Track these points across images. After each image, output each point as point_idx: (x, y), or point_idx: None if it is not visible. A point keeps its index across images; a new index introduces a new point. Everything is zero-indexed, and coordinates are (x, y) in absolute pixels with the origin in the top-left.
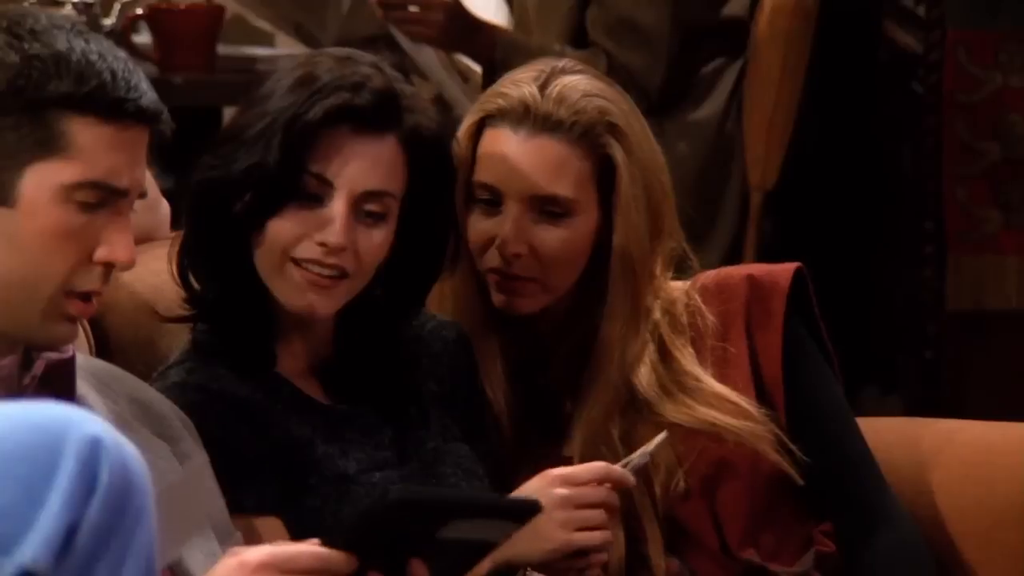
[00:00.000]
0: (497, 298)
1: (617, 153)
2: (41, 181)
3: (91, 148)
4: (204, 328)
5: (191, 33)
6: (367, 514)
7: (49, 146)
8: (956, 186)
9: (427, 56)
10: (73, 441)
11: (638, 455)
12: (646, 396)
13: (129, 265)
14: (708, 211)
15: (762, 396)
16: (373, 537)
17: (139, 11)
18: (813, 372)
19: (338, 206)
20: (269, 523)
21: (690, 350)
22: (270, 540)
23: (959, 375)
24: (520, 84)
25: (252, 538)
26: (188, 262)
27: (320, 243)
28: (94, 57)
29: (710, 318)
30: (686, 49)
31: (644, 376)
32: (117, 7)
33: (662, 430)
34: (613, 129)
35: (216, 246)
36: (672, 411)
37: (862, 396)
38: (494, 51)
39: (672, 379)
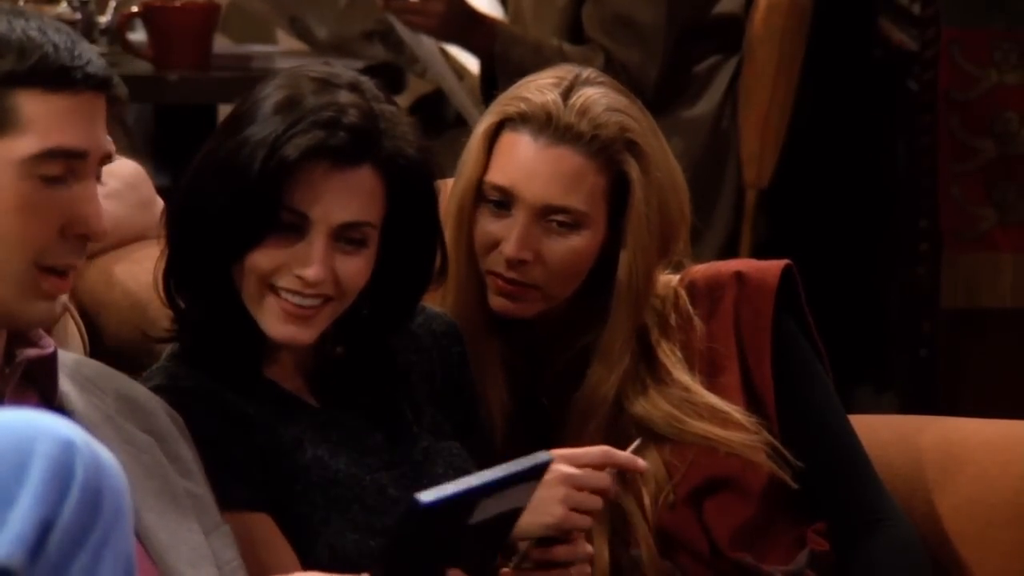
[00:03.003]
0: (495, 301)
1: (633, 171)
2: None
3: (43, 118)
4: (187, 341)
5: (186, 30)
6: (401, 531)
7: (0, 125)
8: (951, 184)
9: (427, 48)
10: (44, 441)
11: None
12: (633, 411)
13: (101, 235)
14: (703, 209)
15: (752, 396)
16: (411, 552)
17: (134, 8)
18: (803, 370)
19: (316, 241)
20: (259, 520)
21: (679, 355)
22: (261, 537)
23: (953, 373)
24: (543, 90)
25: (243, 535)
26: (173, 283)
27: (298, 276)
28: (34, 33)
29: (698, 322)
30: (681, 46)
31: (632, 390)
32: (112, 5)
33: (647, 444)
34: (632, 147)
35: (198, 270)
36: (661, 425)
37: (857, 394)
38: (493, 44)
39: (660, 391)
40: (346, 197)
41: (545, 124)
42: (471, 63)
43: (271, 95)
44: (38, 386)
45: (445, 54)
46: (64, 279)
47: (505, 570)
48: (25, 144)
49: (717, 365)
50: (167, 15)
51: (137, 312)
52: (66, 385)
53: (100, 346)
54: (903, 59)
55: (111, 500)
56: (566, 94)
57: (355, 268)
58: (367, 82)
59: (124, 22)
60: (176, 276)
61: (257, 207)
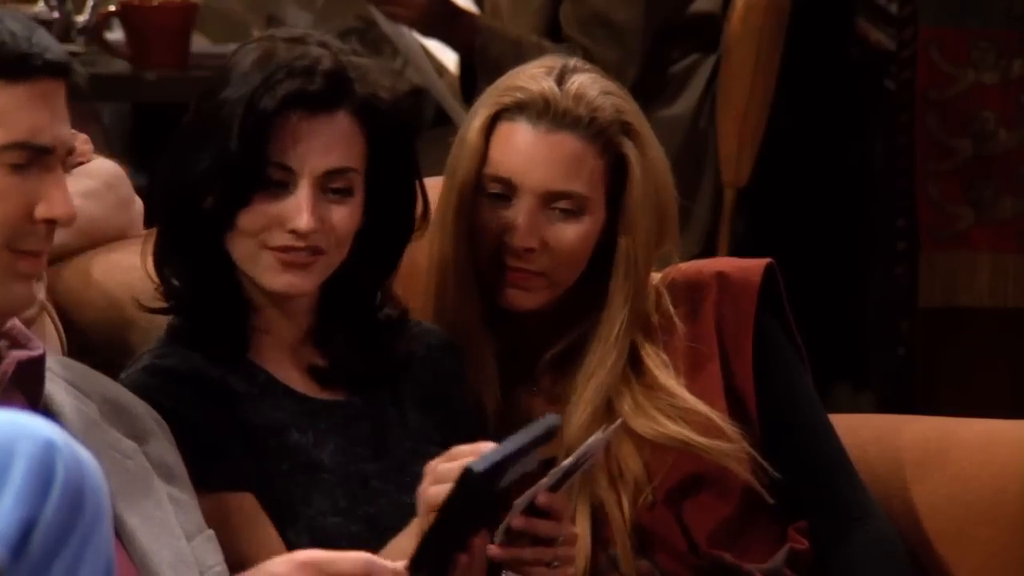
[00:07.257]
0: (506, 294)
1: (631, 152)
2: None
3: (5, 110)
4: (180, 318)
5: (164, 30)
6: (451, 501)
7: None
8: (928, 183)
9: (408, 41)
10: (26, 441)
11: (591, 440)
12: (621, 412)
13: (70, 220)
14: (681, 208)
15: (733, 396)
16: (453, 522)
17: (112, 7)
18: (784, 370)
19: (302, 192)
20: (244, 499)
21: (663, 358)
22: (245, 517)
23: (931, 372)
24: (537, 78)
25: (228, 514)
26: (163, 257)
27: (290, 231)
28: None
29: (679, 322)
30: (659, 45)
31: (617, 391)
32: (90, 4)
33: (637, 444)
34: (628, 129)
35: (189, 241)
36: (643, 427)
37: (835, 393)
38: (473, 38)
39: (646, 395)
40: (326, 144)
41: (543, 111)
42: (450, 61)
43: (245, 57)
44: (24, 388)
45: (425, 51)
46: (38, 259)
47: (491, 546)
48: None
49: (699, 366)
50: (145, 14)
51: (115, 311)
52: (51, 388)
53: (77, 346)
54: (881, 58)
55: (92, 499)
56: (560, 80)
57: (344, 215)
58: (335, 41)
59: (102, 21)
60: (166, 250)
61: (242, 166)
